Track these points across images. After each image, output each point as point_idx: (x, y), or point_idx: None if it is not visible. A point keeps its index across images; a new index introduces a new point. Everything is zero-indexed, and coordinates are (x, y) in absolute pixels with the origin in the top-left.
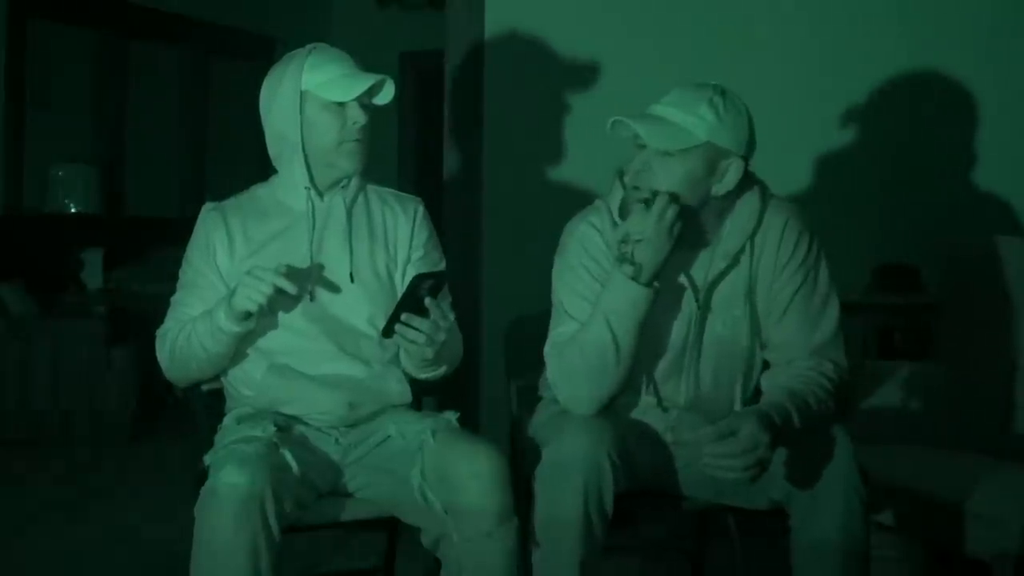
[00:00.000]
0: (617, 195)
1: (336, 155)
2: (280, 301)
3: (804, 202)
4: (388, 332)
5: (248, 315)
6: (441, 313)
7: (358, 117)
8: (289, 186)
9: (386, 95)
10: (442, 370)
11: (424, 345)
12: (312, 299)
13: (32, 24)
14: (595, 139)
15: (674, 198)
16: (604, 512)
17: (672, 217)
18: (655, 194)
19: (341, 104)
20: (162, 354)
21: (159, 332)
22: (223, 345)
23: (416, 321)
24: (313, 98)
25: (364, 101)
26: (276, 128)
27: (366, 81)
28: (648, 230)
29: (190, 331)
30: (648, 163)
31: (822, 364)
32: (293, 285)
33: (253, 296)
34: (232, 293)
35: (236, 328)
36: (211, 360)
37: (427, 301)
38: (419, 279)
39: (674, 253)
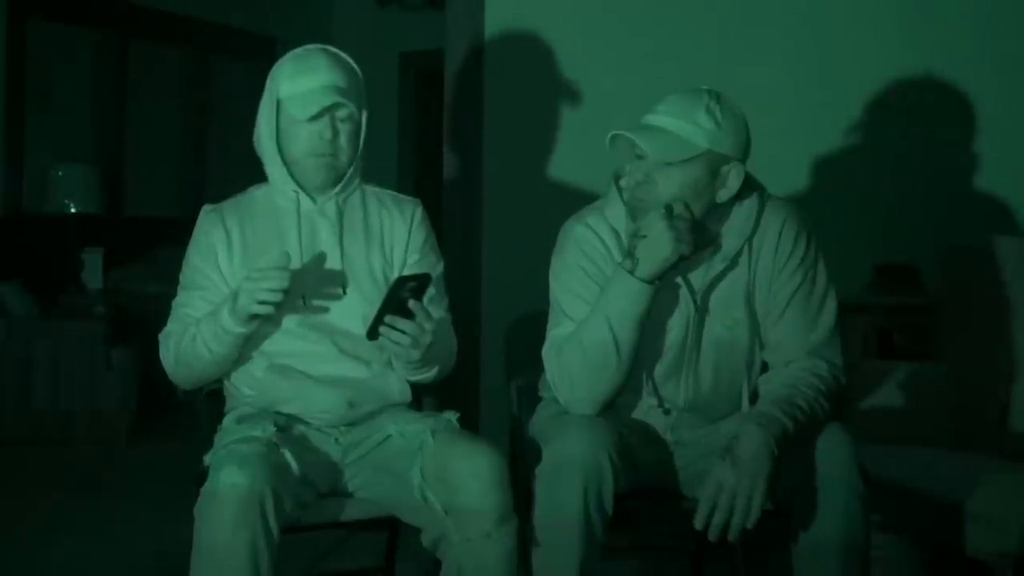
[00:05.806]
0: (614, 199)
1: (304, 166)
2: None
3: (804, 202)
4: (372, 334)
5: (255, 316)
6: (425, 315)
7: (325, 132)
8: (279, 188)
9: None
10: (433, 371)
11: (409, 347)
12: (305, 302)
13: (32, 24)
14: (595, 139)
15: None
16: (604, 512)
17: (683, 225)
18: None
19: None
20: (166, 357)
21: (162, 335)
22: (228, 346)
23: (400, 323)
24: (285, 108)
25: (341, 115)
26: (258, 132)
27: (325, 101)
28: (655, 229)
29: (195, 333)
30: (650, 175)
31: (816, 364)
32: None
33: (266, 297)
34: (235, 297)
35: (241, 329)
36: (216, 362)
37: (411, 303)
38: (401, 281)
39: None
